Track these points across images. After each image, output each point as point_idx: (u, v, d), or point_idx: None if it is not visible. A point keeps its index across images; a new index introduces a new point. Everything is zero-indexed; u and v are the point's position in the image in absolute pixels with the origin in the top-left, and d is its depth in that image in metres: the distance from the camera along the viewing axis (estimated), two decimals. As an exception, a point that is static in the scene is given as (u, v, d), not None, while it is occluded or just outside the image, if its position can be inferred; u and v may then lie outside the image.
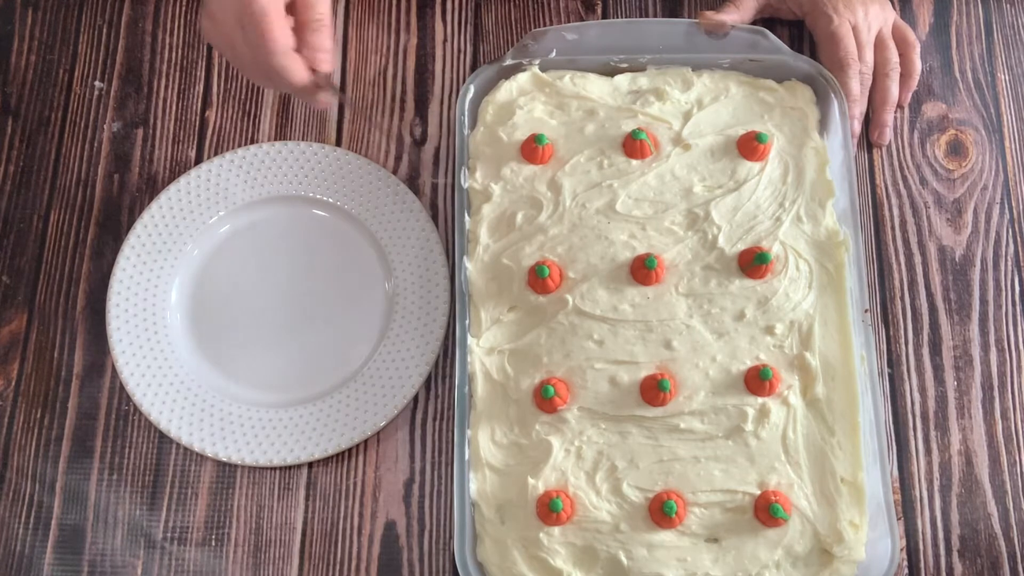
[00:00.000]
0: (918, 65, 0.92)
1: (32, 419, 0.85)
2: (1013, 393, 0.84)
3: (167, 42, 0.96)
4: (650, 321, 0.80)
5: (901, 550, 0.79)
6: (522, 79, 0.88)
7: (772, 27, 0.93)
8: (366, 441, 0.83)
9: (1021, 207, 0.90)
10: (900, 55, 0.92)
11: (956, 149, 0.92)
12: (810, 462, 0.77)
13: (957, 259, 0.88)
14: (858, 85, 0.88)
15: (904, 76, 0.92)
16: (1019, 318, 0.86)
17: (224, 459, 0.82)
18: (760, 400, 0.78)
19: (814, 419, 0.78)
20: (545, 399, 0.77)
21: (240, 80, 0.94)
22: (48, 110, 0.94)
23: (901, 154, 0.92)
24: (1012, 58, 0.95)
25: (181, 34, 0.96)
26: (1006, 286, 0.87)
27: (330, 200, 0.89)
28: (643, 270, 0.80)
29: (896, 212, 0.90)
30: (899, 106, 0.93)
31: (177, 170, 0.91)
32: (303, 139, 0.92)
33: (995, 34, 0.96)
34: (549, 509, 0.75)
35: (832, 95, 0.87)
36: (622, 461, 0.77)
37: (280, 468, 0.83)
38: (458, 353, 0.80)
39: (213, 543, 0.81)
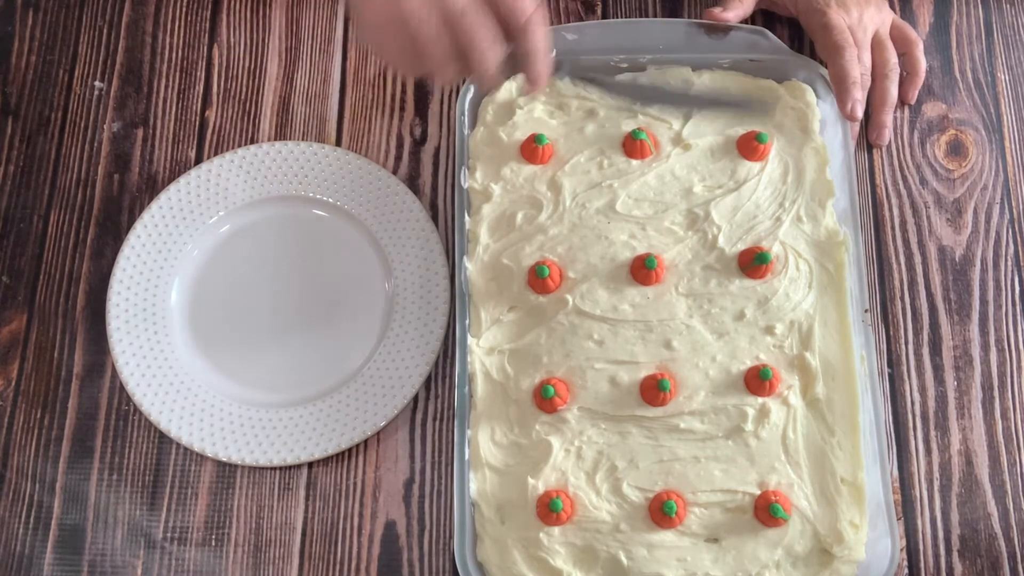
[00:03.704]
0: (923, 62, 0.92)
1: (32, 419, 0.85)
2: (1013, 393, 0.84)
3: (167, 42, 0.96)
4: (650, 321, 0.80)
5: (901, 550, 0.79)
6: (522, 79, 0.88)
7: (772, 26, 0.93)
8: (366, 441, 0.83)
9: (1021, 207, 0.90)
10: (903, 54, 0.92)
11: (956, 149, 0.92)
12: (810, 462, 0.77)
13: (957, 259, 0.88)
14: (856, 67, 0.86)
15: (910, 74, 0.92)
16: (1019, 318, 0.86)
17: (224, 459, 0.82)
18: (760, 400, 0.78)
19: (814, 419, 0.78)
20: (545, 399, 0.77)
21: (240, 80, 0.94)
22: (48, 110, 0.94)
23: (901, 154, 0.92)
24: (1012, 58, 0.95)
25: (181, 34, 0.96)
26: (1006, 286, 0.87)
27: (330, 200, 0.89)
28: (643, 270, 0.80)
29: (896, 212, 0.90)
30: (907, 104, 0.92)
31: (177, 170, 0.91)
32: (303, 139, 0.92)
33: (995, 34, 0.96)
34: (549, 509, 0.75)
35: (832, 95, 0.87)
36: (622, 461, 0.77)
37: (280, 468, 0.83)
38: (458, 353, 0.80)
39: (213, 543, 0.81)
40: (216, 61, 0.95)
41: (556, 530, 0.75)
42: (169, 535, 0.81)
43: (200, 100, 0.94)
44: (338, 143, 0.91)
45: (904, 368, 0.85)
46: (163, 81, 0.95)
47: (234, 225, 0.89)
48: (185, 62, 0.95)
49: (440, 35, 0.69)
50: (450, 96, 0.93)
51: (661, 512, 0.75)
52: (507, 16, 0.70)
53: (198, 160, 0.92)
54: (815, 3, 0.89)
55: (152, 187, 0.91)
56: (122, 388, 0.85)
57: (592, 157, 0.85)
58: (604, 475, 0.77)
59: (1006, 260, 0.88)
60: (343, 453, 0.83)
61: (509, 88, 0.88)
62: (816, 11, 0.89)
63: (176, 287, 0.87)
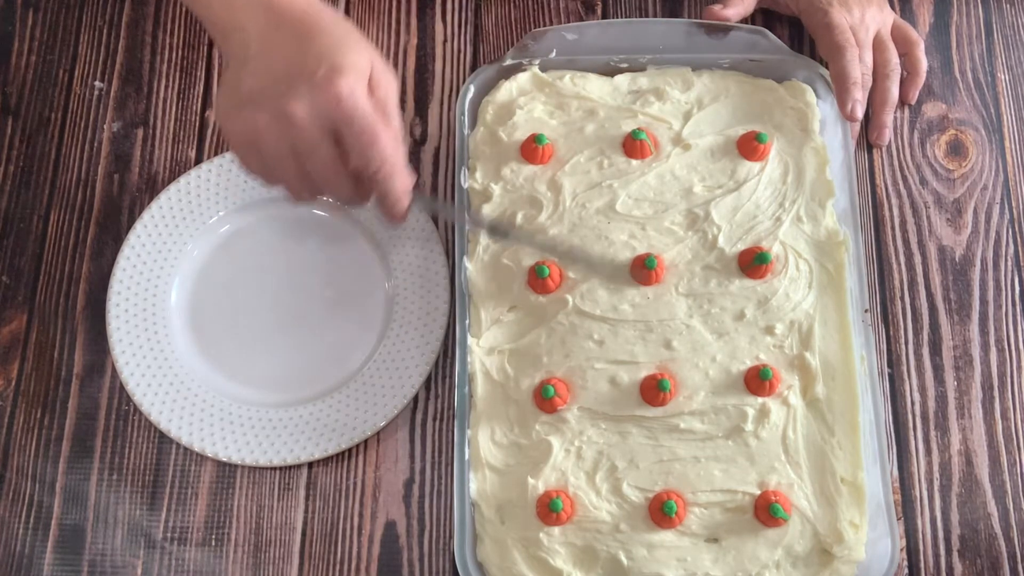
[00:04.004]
0: (924, 62, 0.92)
1: (32, 419, 0.85)
2: (1013, 393, 0.84)
3: (167, 42, 0.96)
4: (650, 321, 0.80)
5: (901, 550, 0.79)
6: (522, 79, 0.88)
7: (772, 26, 0.93)
8: (366, 441, 0.83)
9: (1021, 207, 0.90)
10: (904, 54, 0.92)
11: (956, 149, 0.92)
12: (810, 462, 0.77)
13: (957, 259, 0.88)
14: (857, 68, 0.86)
15: (911, 74, 0.92)
16: (1019, 318, 0.86)
17: (224, 459, 0.82)
18: (760, 400, 0.78)
19: (814, 419, 0.78)
20: (545, 399, 0.77)
21: (240, 80, 0.94)
22: (48, 110, 0.94)
23: (901, 154, 0.92)
24: (1012, 58, 0.95)
25: (181, 34, 0.96)
26: (1006, 286, 0.87)
27: (330, 200, 0.89)
28: (643, 270, 0.80)
29: (896, 212, 0.90)
30: (908, 104, 0.92)
31: (177, 170, 0.91)
32: (303, 139, 0.92)
33: (995, 34, 0.96)
34: (549, 509, 0.75)
35: (832, 95, 0.87)
36: (622, 461, 0.77)
37: (280, 468, 0.83)
38: (458, 353, 0.80)
39: (213, 543, 0.81)
40: (216, 61, 0.95)
41: (556, 530, 0.75)
42: (169, 535, 0.81)
43: (200, 100, 0.94)
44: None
45: (904, 368, 0.85)
46: (163, 81, 0.95)
47: (234, 225, 0.89)
48: (185, 62, 0.95)
49: (290, 166, 0.69)
50: (450, 96, 0.93)
51: (661, 512, 0.75)
52: (357, 159, 0.69)
53: (198, 160, 0.92)
54: (817, 2, 0.89)
55: (152, 187, 0.91)
56: (122, 388, 0.85)
57: (592, 157, 0.85)
58: (604, 475, 0.77)
59: (1006, 260, 0.88)
60: (343, 453, 0.83)
61: (509, 88, 0.88)
62: (818, 10, 0.89)
63: (176, 287, 0.87)
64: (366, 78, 0.67)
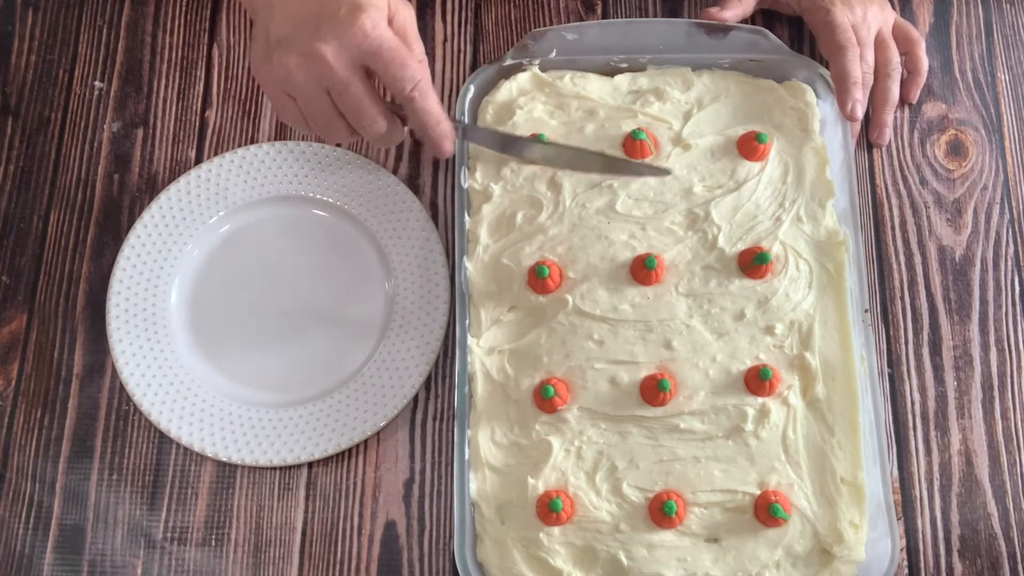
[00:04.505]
0: (925, 61, 0.92)
1: (32, 419, 0.85)
2: (1013, 393, 0.84)
3: (167, 42, 0.96)
4: (650, 321, 0.80)
5: (901, 550, 0.79)
6: (522, 79, 0.88)
7: (772, 26, 0.93)
8: (366, 441, 0.83)
9: (1021, 207, 0.90)
10: (905, 53, 0.92)
11: (956, 149, 0.92)
12: (810, 462, 0.77)
13: (957, 259, 0.88)
14: (858, 68, 0.86)
15: (912, 73, 0.92)
16: (1019, 318, 0.86)
17: (224, 459, 0.82)
18: (760, 400, 0.78)
19: (814, 419, 0.78)
20: (545, 399, 0.77)
21: (240, 80, 0.94)
22: (48, 110, 0.94)
23: (901, 154, 0.92)
24: (1012, 58, 0.95)
25: (181, 34, 0.96)
26: (1006, 286, 0.87)
27: (330, 200, 0.89)
28: (643, 270, 0.80)
29: (896, 212, 0.90)
30: (909, 103, 0.92)
31: (177, 170, 0.91)
32: (303, 139, 0.92)
33: (995, 34, 0.96)
34: (549, 509, 0.75)
35: (832, 95, 0.87)
36: (622, 461, 0.77)
37: (280, 468, 0.83)
38: (458, 353, 0.80)
39: (213, 543, 0.81)
40: (216, 61, 0.95)
41: (556, 530, 0.75)
42: (169, 535, 0.81)
43: (200, 100, 0.94)
44: (338, 143, 0.91)
45: (904, 368, 0.85)
46: (163, 81, 0.95)
47: (234, 225, 0.89)
48: (185, 62, 0.95)
49: (326, 106, 0.72)
50: (450, 96, 0.93)
51: (661, 512, 0.75)
52: (391, 86, 0.72)
53: (198, 160, 0.92)
54: (819, 1, 0.89)
55: (152, 187, 0.91)
56: (122, 388, 0.85)
57: (592, 157, 0.85)
58: (604, 475, 0.77)
59: (1006, 260, 0.88)
60: (343, 453, 0.83)
61: (509, 88, 0.88)
62: (820, 8, 0.89)
63: (176, 287, 0.87)
64: (385, 10, 0.71)
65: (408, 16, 0.74)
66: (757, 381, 0.77)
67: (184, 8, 0.97)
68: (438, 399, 0.84)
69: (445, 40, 0.95)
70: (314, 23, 0.70)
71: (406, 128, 0.78)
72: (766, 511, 0.75)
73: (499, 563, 0.76)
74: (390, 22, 0.72)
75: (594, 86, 0.88)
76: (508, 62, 0.88)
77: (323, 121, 0.73)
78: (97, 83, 0.95)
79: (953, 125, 0.93)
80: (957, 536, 0.81)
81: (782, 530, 0.75)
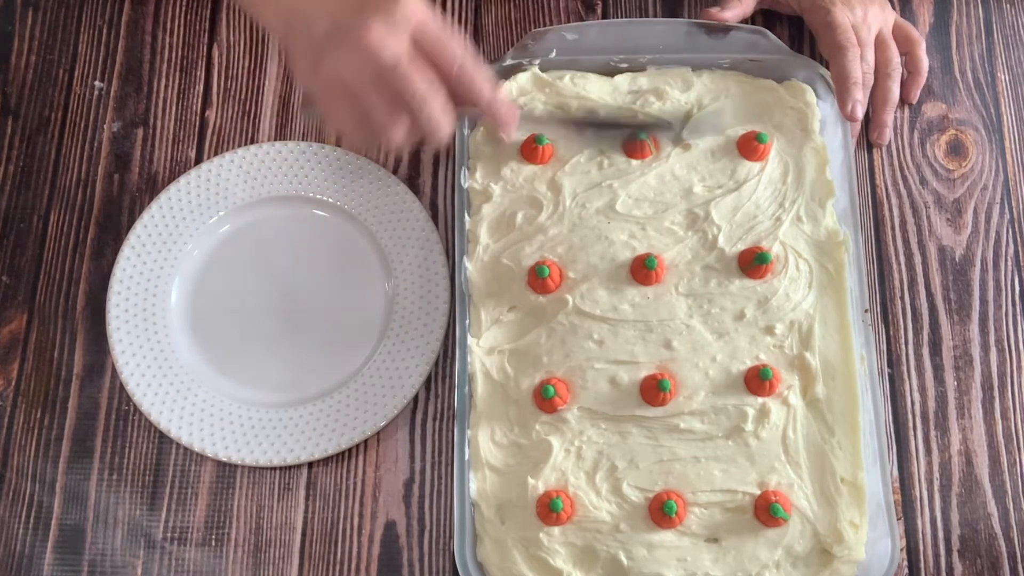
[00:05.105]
0: (925, 61, 0.92)
1: (32, 419, 0.85)
2: (1013, 393, 0.84)
3: (167, 42, 0.96)
4: (650, 321, 0.80)
5: (901, 550, 0.79)
6: (522, 79, 0.88)
7: (772, 26, 0.93)
8: (366, 441, 0.83)
9: (1021, 207, 0.90)
10: (905, 53, 0.92)
11: (956, 149, 0.92)
12: (810, 462, 0.77)
13: (957, 259, 0.88)
14: (858, 68, 0.86)
15: (912, 73, 0.92)
16: (1019, 318, 0.86)
17: (224, 459, 0.82)
18: (760, 400, 0.78)
19: (814, 419, 0.78)
20: (545, 399, 0.77)
21: (240, 80, 0.94)
22: (48, 110, 0.94)
23: (901, 154, 0.92)
24: (1012, 58, 0.95)
25: (181, 34, 0.96)
26: (1006, 286, 0.87)
27: (330, 200, 0.89)
28: (643, 270, 0.80)
29: (896, 212, 0.90)
30: (909, 103, 0.92)
31: (177, 170, 0.91)
32: (303, 139, 0.92)
33: (995, 34, 0.96)
34: (549, 509, 0.75)
35: (832, 96, 0.87)
36: (622, 461, 0.77)
37: (280, 468, 0.83)
38: (458, 353, 0.80)
39: (213, 543, 0.81)
40: (216, 61, 0.95)
41: (556, 530, 0.75)
42: (169, 535, 0.81)
43: (200, 100, 0.94)
44: (338, 143, 0.91)
45: (904, 368, 0.85)
46: (163, 81, 0.95)
47: (234, 225, 0.89)
48: (185, 62, 0.95)
49: (380, 92, 0.69)
50: (450, 96, 0.93)
51: (661, 512, 0.75)
52: (439, 64, 0.69)
53: (198, 160, 0.92)
54: (820, 1, 0.89)
55: (152, 187, 0.91)
56: (122, 388, 0.85)
57: (592, 157, 0.85)
58: (604, 475, 0.77)
59: (1006, 260, 0.88)
60: (343, 453, 0.83)
61: (509, 88, 0.88)
62: (820, 8, 0.89)
63: (176, 287, 0.87)
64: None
65: (437, 14, 0.72)
66: (757, 381, 0.78)
67: (184, 8, 0.97)
68: (438, 399, 0.84)
69: (445, 40, 0.95)
70: (358, 8, 0.68)
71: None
72: (766, 511, 0.75)
73: (499, 563, 0.76)
74: None
75: (594, 86, 0.88)
76: (508, 62, 0.88)
77: (376, 113, 0.69)
78: (97, 83, 0.95)
79: (953, 125, 0.93)
80: (957, 536, 0.81)
81: (782, 530, 0.75)
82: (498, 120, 0.75)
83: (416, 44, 0.69)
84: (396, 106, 0.69)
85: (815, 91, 0.88)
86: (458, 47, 0.70)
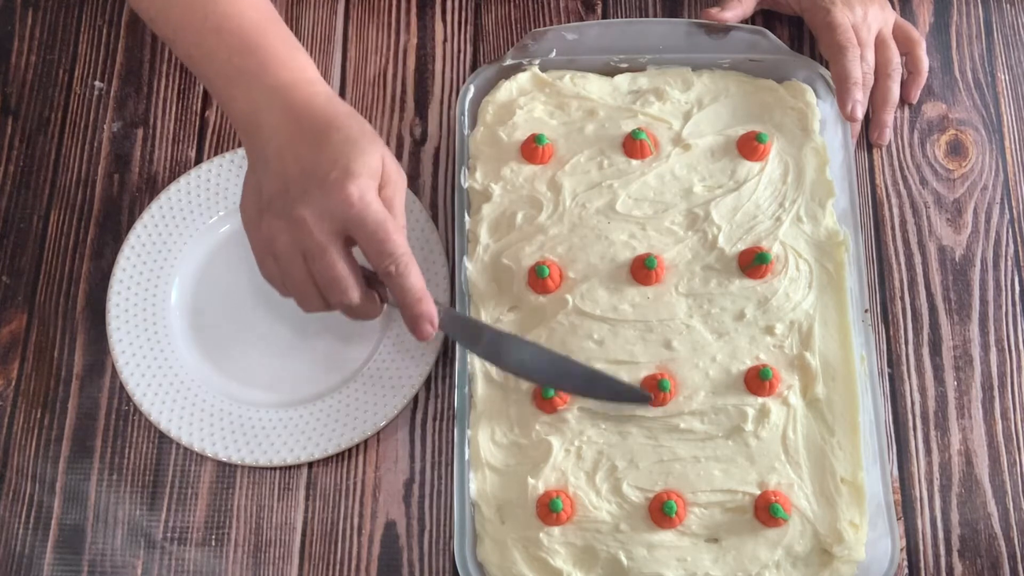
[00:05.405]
0: (925, 61, 0.92)
1: (32, 419, 0.85)
2: (1013, 393, 0.84)
3: (167, 42, 0.96)
4: (650, 321, 0.80)
5: (901, 550, 0.79)
6: (522, 79, 0.88)
7: (772, 26, 0.93)
8: (366, 441, 0.83)
9: (1021, 207, 0.90)
10: (905, 53, 0.92)
11: (956, 149, 0.92)
12: (810, 462, 0.77)
13: (957, 259, 0.88)
14: (858, 68, 0.86)
15: (912, 73, 0.92)
16: (1019, 318, 0.86)
17: (224, 459, 0.82)
18: (760, 400, 0.78)
19: (814, 419, 0.78)
20: (545, 399, 0.77)
21: (240, 80, 0.94)
22: (48, 110, 0.94)
23: (901, 154, 0.92)
24: (1012, 58, 0.95)
25: (181, 34, 0.96)
26: (1006, 286, 0.87)
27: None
28: (643, 270, 0.80)
29: (896, 212, 0.90)
30: (909, 103, 0.92)
31: (177, 170, 0.91)
32: (303, 139, 0.91)
33: (995, 34, 0.96)
34: (549, 509, 0.75)
35: (832, 96, 0.87)
36: (622, 461, 0.77)
37: (280, 468, 0.83)
38: (458, 353, 0.80)
39: (213, 543, 0.81)
40: (216, 61, 0.95)
41: (556, 530, 0.75)
42: (169, 535, 0.81)
43: (200, 100, 0.94)
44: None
45: (904, 368, 0.85)
46: (163, 81, 0.95)
47: (234, 225, 0.89)
48: (185, 62, 0.95)
49: (301, 272, 0.70)
50: (450, 96, 0.93)
51: (661, 512, 0.75)
52: (373, 259, 0.70)
53: (198, 160, 0.92)
54: (820, 1, 0.89)
55: (152, 187, 0.91)
56: (122, 388, 0.85)
57: (592, 157, 0.85)
58: (604, 475, 0.77)
59: (1006, 260, 0.88)
60: (343, 453, 0.83)
61: (509, 88, 0.88)
62: (821, 8, 0.89)
63: (176, 287, 0.87)
64: (377, 178, 0.69)
65: (400, 185, 0.72)
66: (757, 381, 0.78)
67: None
68: (438, 399, 0.84)
69: (445, 40, 0.95)
70: (303, 184, 0.68)
71: (384, 305, 0.74)
72: (766, 511, 0.75)
73: (499, 563, 0.76)
74: (380, 190, 0.70)
75: (594, 86, 0.88)
76: (508, 62, 0.88)
77: (297, 286, 0.71)
78: (97, 83, 0.95)
79: (953, 125, 0.93)
80: (957, 536, 0.81)
81: (782, 530, 0.75)
82: (414, 329, 0.73)
83: (352, 233, 0.68)
84: (315, 285, 0.71)
85: (815, 91, 0.88)
86: (394, 247, 0.69)
